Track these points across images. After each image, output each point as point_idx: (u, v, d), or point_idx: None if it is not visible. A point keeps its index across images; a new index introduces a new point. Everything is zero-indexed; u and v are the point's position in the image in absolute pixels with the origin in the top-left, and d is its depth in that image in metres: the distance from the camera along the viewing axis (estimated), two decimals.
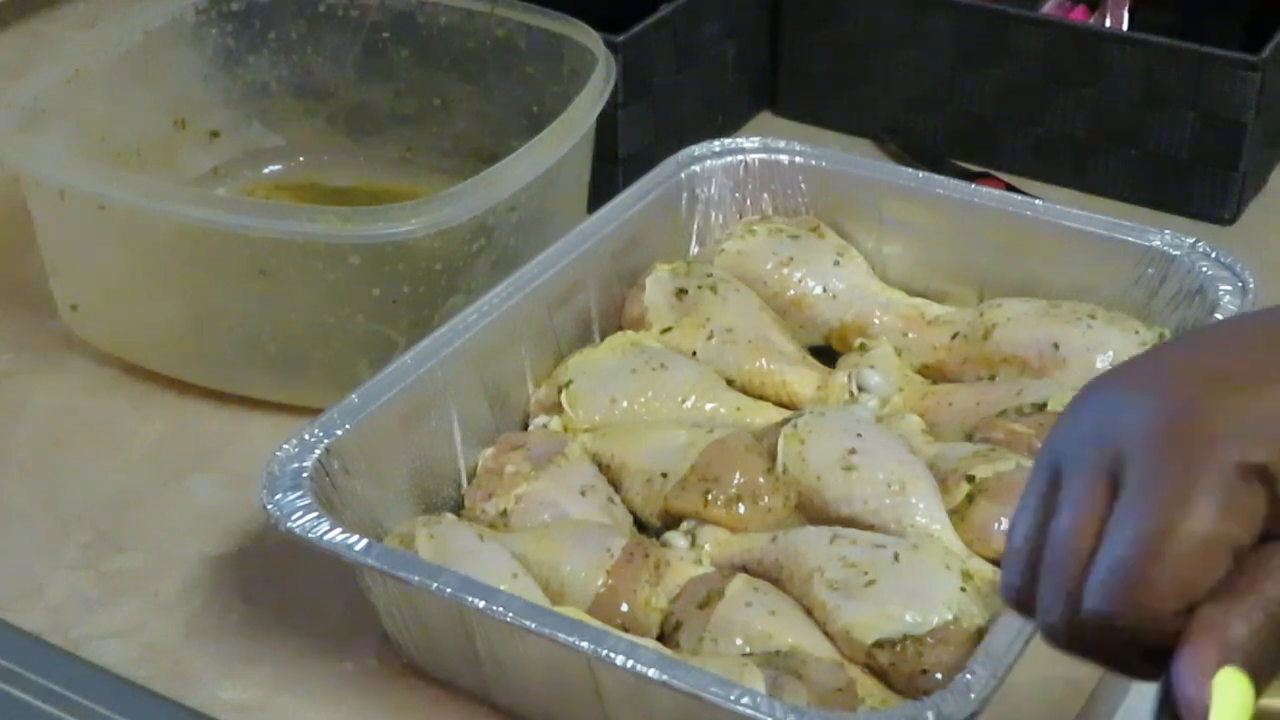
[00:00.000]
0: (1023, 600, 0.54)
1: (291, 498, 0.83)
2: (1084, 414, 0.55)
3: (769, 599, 0.85)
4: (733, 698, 0.73)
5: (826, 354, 1.07)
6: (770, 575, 0.87)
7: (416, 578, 0.79)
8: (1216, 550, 0.50)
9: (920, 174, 1.12)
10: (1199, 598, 0.50)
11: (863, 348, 1.04)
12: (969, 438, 0.96)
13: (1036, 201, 1.11)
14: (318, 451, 0.87)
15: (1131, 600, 0.50)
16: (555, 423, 0.99)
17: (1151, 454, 0.52)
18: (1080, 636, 0.52)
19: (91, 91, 1.14)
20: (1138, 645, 0.51)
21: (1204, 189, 1.24)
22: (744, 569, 0.88)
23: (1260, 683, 0.50)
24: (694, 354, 1.03)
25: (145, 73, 1.19)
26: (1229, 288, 0.99)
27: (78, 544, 0.97)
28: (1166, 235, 1.04)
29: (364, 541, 0.81)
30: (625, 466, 0.95)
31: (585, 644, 0.76)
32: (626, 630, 0.83)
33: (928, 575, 0.83)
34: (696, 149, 1.14)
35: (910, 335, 1.06)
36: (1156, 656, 0.51)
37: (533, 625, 0.77)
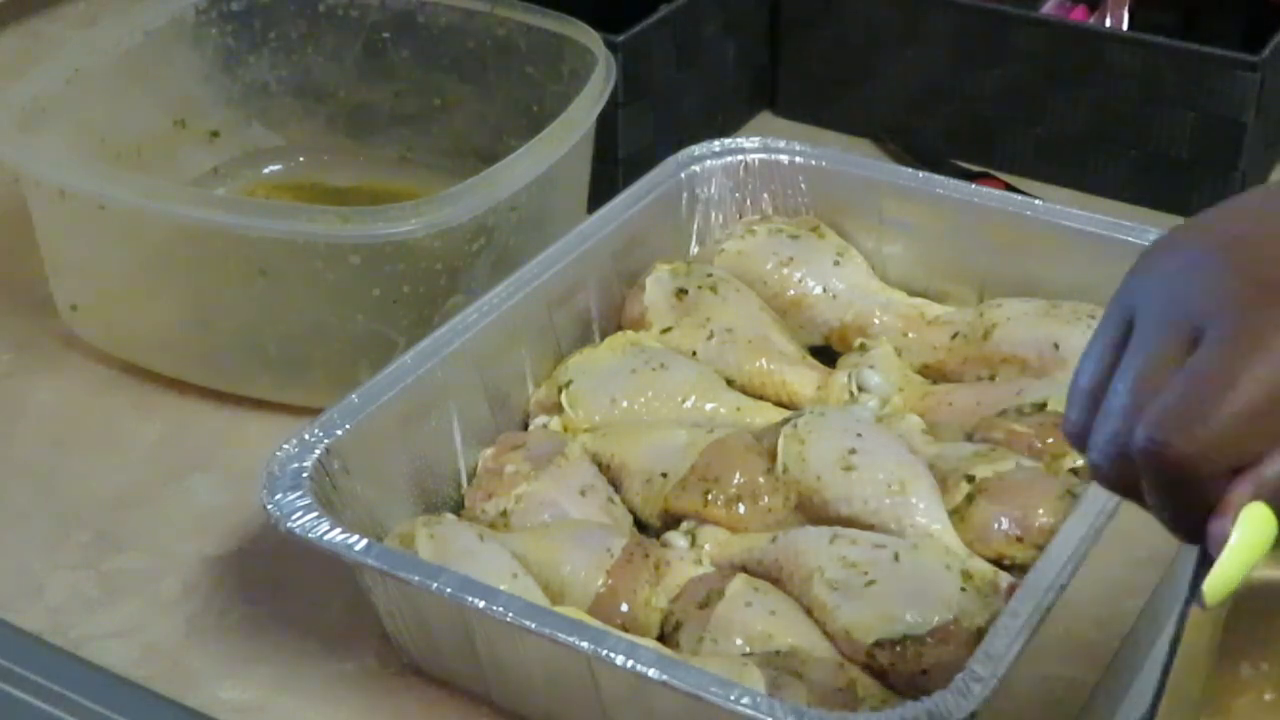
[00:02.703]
0: (1081, 435, 0.57)
1: (291, 498, 0.83)
2: (1160, 272, 0.57)
3: (769, 599, 0.85)
4: (733, 698, 0.73)
5: (826, 354, 1.07)
6: (770, 575, 0.87)
7: (416, 578, 0.79)
8: (1275, 410, 0.52)
9: (920, 174, 1.12)
10: (1246, 458, 0.52)
11: (863, 348, 1.04)
12: (969, 438, 0.96)
13: (1036, 201, 1.11)
14: (318, 451, 0.87)
15: (1184, 434, 0.52)
16: (555, 423, 0.99)
17: (1232, 315, 0.53)
18: (1126, 470, 0.54)
19: (91, 91, 1.14)
20: (1177, 489, 0.53)
21: (1204, 189, 1.24)
22: (744, 569, 0.88)
23: None
24: (694, 354, 1.03)
25: (145, 73, 1.19)
26: None
27: (78, 544, 0.97)
28: None
29: (364, 541, 0.81)
30: (625, 466, 0.95)
31: (585, 644, 0.76)
32: (626, 630, 0.83)
33: (928, 575, 0.83)
34: (696, 149, 1.14)
35: (910, 335, 1.06)
36: (1191, 508, 0.53)
37: (533, 625, 0.77)
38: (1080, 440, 0.57)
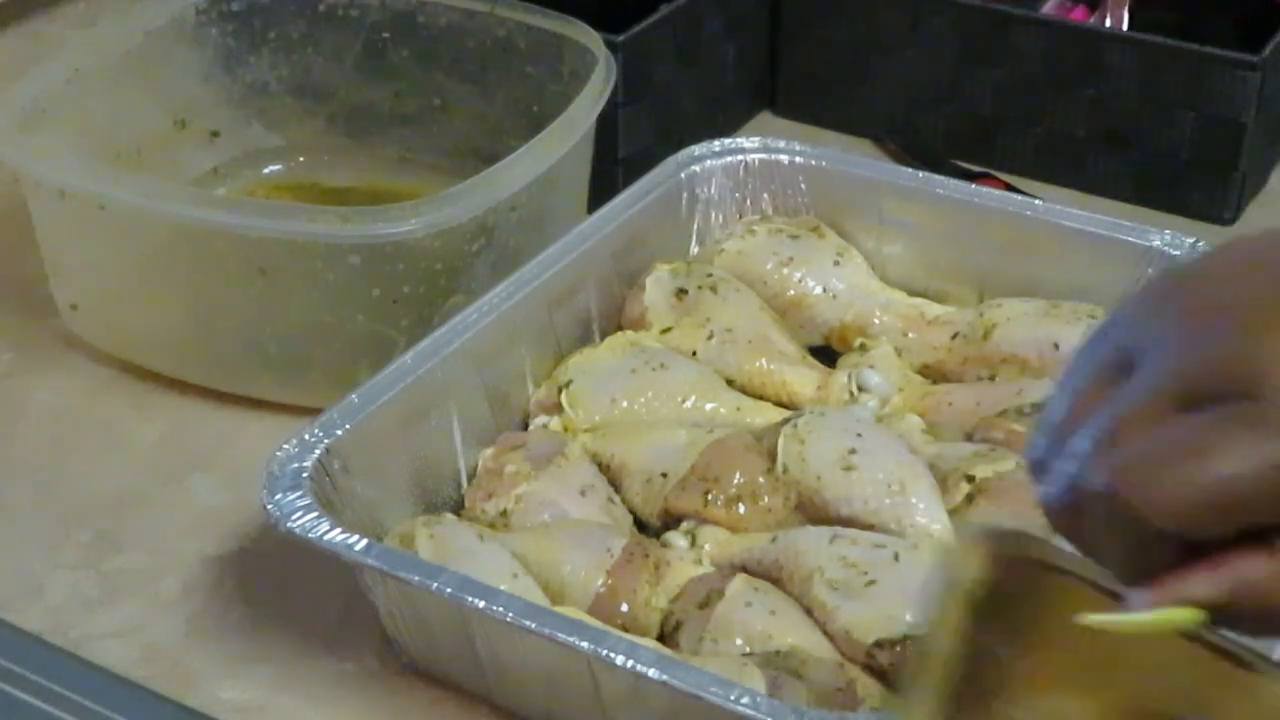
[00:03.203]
0: (1042, 461, 0.54)
1: (291, 498, 0.83)
2: (1170, 325, 0.53)
3: (769, 599, 0.85)
4: (733, 698, 0.73)
5: (826, 354, 1.07)
6: (770, 575, 0.87)
7: (416, 578, 0.79)
8: (1231, 493, 0.49)
9: (920, 174, 1.12)
10: (1199, 528, 0.49)
11: (863, 348, 1.04)
12: (969, 438, 0.96)
13: (1036, 201, 1.11)
14: (318, 451, 0.87)
15: (1146, 491, 0.50)
16: (555, 423, 0.99)
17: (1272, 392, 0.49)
18: (1074, 518, 0.52)
19: (91, 91, 1.14)
20: (1122, 540, 0.51)
21: (1203, 189, 1.24)
22: (744, 569, 0.88)
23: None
24: (694, 354, 1.03)
25: (145, 73, 1.19)
26: None
27: (78, 544, 0.97)
28: (1166, 235, 1.04)
29: (364, 541, 0.81)
30: (625, 466, 0.95)
31: (585, 644, 0.76)
32: (626, 630, 0.84)
33: (928, 575, 0.83)
34: (696, 149, 1.14)
35: (910, 335, 1.06)
36: (1130, 560, 0.52)
37: (533, 625, 0.77)
38: (1038, 472, 0.55)
